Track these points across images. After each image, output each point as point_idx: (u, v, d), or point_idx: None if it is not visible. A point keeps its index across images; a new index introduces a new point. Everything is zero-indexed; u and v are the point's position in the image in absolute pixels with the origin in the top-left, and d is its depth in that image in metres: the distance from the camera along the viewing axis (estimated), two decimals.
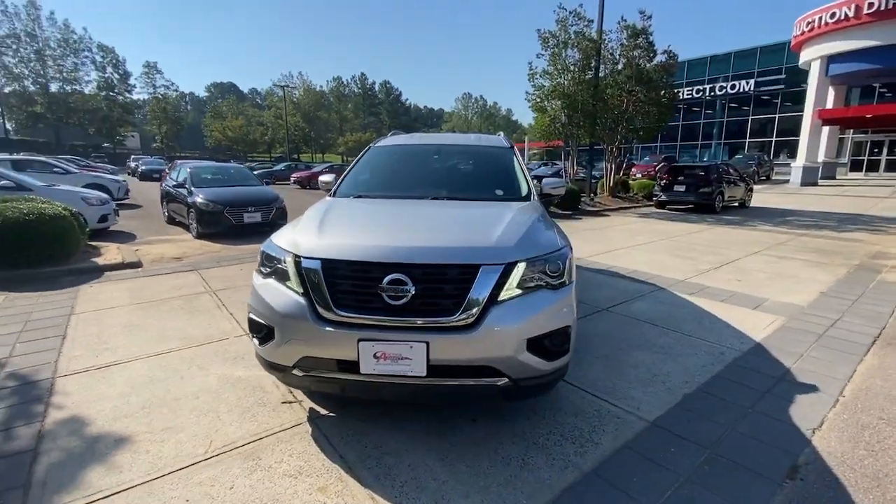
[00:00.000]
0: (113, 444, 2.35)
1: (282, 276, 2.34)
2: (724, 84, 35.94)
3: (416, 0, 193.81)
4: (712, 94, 36.78)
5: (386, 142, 4.20)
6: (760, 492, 2.04)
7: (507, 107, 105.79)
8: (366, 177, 3.68)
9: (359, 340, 2.09)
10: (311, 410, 2.69)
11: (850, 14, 20.60)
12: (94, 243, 7.37)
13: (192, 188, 8.92)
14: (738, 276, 6.00)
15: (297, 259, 2.29)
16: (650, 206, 15.48)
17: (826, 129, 25.43)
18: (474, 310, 2.11)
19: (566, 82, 14.15)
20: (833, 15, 21.41)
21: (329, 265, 2.22)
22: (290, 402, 2.77)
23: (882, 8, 19.48)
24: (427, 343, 2.07)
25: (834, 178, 27.06)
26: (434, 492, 2.03)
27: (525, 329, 2.15)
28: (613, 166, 16.49)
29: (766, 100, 34.69)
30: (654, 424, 2.56)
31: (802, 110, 25.20)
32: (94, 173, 15.46)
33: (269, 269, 2.44)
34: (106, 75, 51.50)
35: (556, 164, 23.70)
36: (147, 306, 4.55)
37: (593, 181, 18.30)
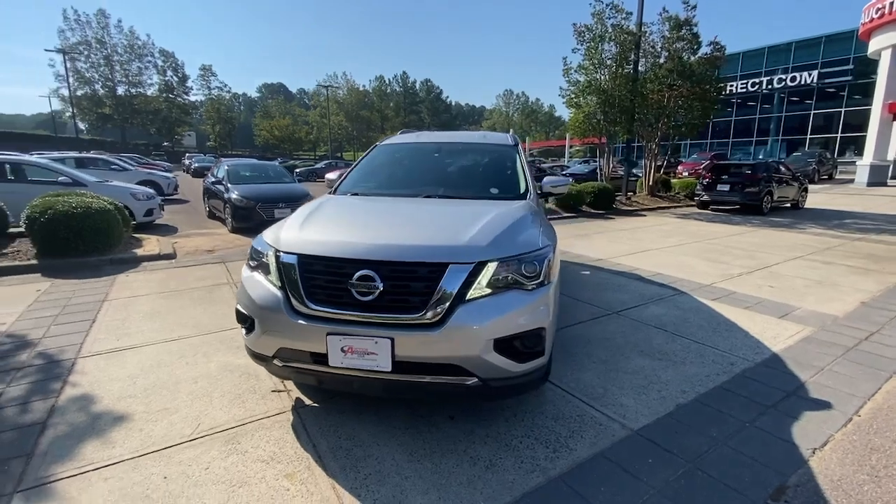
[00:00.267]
0: (112, 422, 2.54)
1: (265, 270, 2.44)
2: (784, 76, 33.53)
3: None
4: (769, 87, 34.43)
5: (392, 140, 4.26)
6: None
7: (550, 103, 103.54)
8: (366, 174, 3.74)
9: (327, 334, 2.15)
10: (297, 400, 2.78)
11: None
12: (138, 235, 7.94)
13: (229, 184, 9.40)
14: (771, 281, 5.61)
15: (277, 254, 2.38)
16: (692, 206, 14.74)
17: None
18: (440, 308, 2.11)
19: (602, 77, 13.68)
20: None
21: (304, 260, 2.29)
22: (280, 391, 2.88)
23: None
24: (392, 339, 2.10)
25: None
26: (394, 486, 2.05)
27: (491, 329, 2.12)
28: (653, 164, 15.81)
29: (831, 93, 32.07)
30: (638, 433, 2.46)
31: (871, 104, 23.06)
32: (146, 170, 16.61)
33: (255, 263, 2.54)
34: (166, 78, 55.09)
35: (595, 162, 23.04)
36: (171, 295, 4.86)
37: (633, 179, 17.68)
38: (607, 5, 13.29)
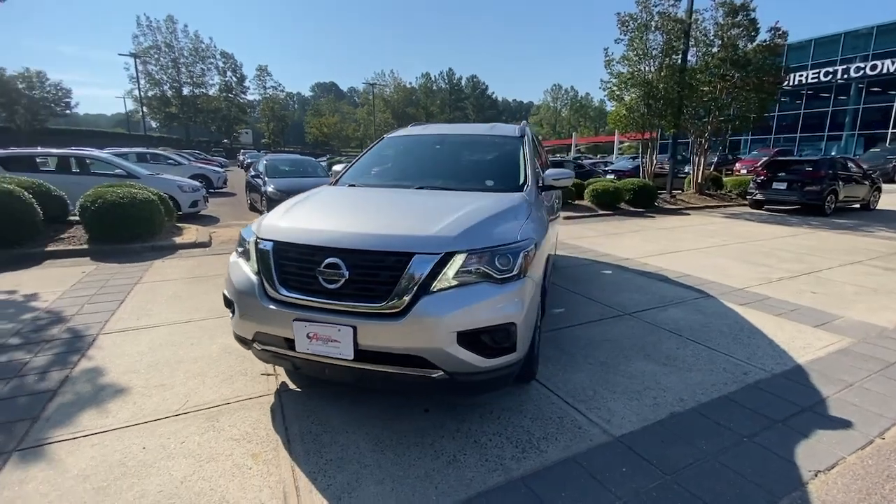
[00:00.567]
0: (112, 394, 2.73)
1: (246, 256, 2.52)
2: (863, 65, 30.45)
3: None
4: (845, 76, 31.38)
5: (399, 132, 4.27)
6: None
7: (601, 98, 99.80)
8: (366, 166, 3.77)
9: (293, 320, 2.18)
10: (283, 384, 2.86)
11: None
12: (181, 224, 8.48)
13: (266, 178, 9.82)
14: (816, 287, 5.12)
15: (257, 240, 2.44)
16: (744, 206, 13.75)
17: None
18: (404, 298, 2.08)
19: (646, 68, 13.00)
20: None
21: (278, 247, 2.34)
22: (269, 375, 2.97)
23: None
24: (354, 327, 2.09)
25: None
26: (352, 473, 2.06)
27: (455, 321, 2.06)
28: (703, 160, 14.87)
29: None
30: (619, 440, 2.32)
31: None
32: (198, 164, 17.70)
33: (241, 250, 2.62)
34: (226, 79, 58.39)
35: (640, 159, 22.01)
36: (195, 281, 5.15)
37: (681, 177, 16.73)
38: None
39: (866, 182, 12.72)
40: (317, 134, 66.27)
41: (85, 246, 6.41)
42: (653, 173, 14.38)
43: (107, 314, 4.04)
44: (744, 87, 12.66)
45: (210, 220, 9.88)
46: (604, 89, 13.75)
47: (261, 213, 10.19)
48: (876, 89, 31.01)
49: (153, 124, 60.19)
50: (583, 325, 3.92)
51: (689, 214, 12.03)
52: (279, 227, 2.44)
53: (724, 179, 16.26)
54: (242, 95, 61.97)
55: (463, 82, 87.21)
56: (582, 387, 2.86)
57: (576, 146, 54.21)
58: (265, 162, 10.62)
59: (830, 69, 31.90)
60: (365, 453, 2.20)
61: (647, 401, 2.70)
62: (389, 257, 2.14)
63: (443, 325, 2.05)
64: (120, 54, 58.75)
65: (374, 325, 2.10)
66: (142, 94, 48.46)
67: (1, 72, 40.27)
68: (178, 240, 7.19)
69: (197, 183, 10.65)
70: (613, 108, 14.50)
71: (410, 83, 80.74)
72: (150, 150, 17.70)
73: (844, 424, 2.48)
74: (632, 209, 12.17)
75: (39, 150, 10.60)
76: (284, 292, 2.25)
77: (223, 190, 16.41)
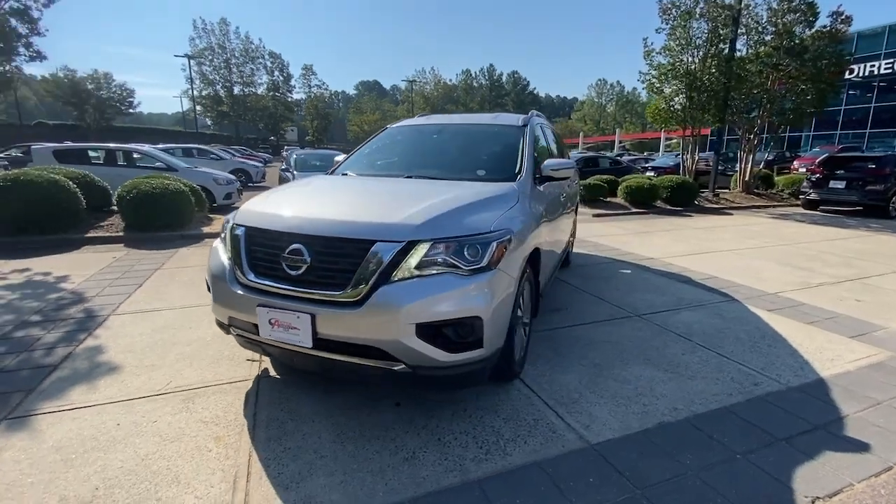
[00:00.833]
0: (105, 371, 2.84)
1: (225, 241, 2.54)
2: None
3: None
4: None
5: (402, 122, 4.21)
6: None
7: (648, 92, 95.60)
8: (364, 156, 3.74)
9: (257, 305, 2.18)
10: (265, 371, 2.88)
11: None
12: (212, 215, 8.86)
13: (294, 171, 10.08)
14: (861, 295, 4.62)
15: (232, 226, 2.46)
16: (796, 206, 12.74)
17: None
18: (362, 286, 2.02)
19: (689, 59, 12.26)
20: None
21: (249, 232, 2.34)
22: (253, 361, 3.00)
23: None
24: (313, 315, 2.06)
25: None
26: (306, 463, 2.02)
27: (413, 313, 1.98)
28: (751, 157, 13.89)
29: None
30: (593, 448, 2.16)
31: None
32: (239, 160, 18.48)
33: (223, 235, 2.66)
34: (273, 78, 60.61)
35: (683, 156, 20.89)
36: None
37: (728, 174, 15.76)
38: None
39: None
40: (357, 131, 67.57)
41: (120, 233, 6.82)
42: (694, 171, 13.58)
43: (123, 297, 4.25)
44: (799, 77, 11.68)
45: None
46: (642, 81, 13.11)
47: None
48: None
49: (208, 122, 63.54)
50: (586, 325, 3.72)
51: (731, 214, 11.28)
52: (252, 213, 2.45)
53: (776, 178, 15.12)
54: (288, 94, 64.13)
55: (504, 78, 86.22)
56: (568, 389, 2.69)
57: (620, 143, 52.33)
58: (295, 156, 10.93)
59: None
60: (325, 444, 2.16)
61: (636, 408, 2.51)
62: (350, 244, 2.09)
63: (400, 316, 1.98)
64: (175, 56, 62.28)
65: (333, 313, 2.05)
66: (196, 93, 51.29)
67: (72, 74, 43.72)
68: (206, 229, 7.50)
69: (231, 176, 11.09)
70: (652, 102, 13.80)
71: (451, 80, 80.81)
72: (196, 146, 18.68)
73: (860, 447, 2.19)
74: (668, 208, 11.55)
75: (90, 144, 11.41)
76: (252, 278, 2.25)
77: (262, 184, 17.05)
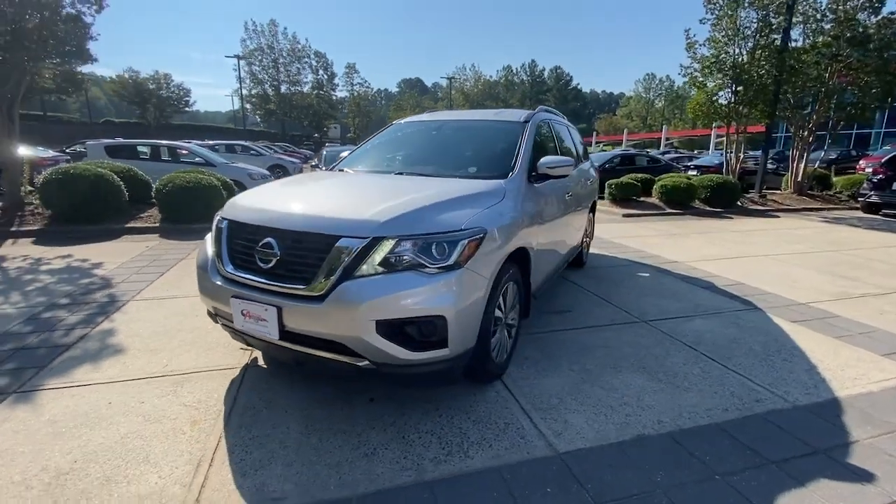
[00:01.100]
0: (112, 353, 3.04)
1: (213, 234, 2.64)
2: None
3: None
4: None
5: (407, 119, 4.21)
6: None
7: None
8: (365, 152, 3.77)
9: (231, 296, 2.25)
10: (254, 360, 2.97)
11: None
12: None
13: (322, 167, 10.33)
14: None
15: (219, 220, 2.55)
16: (855, 209, 11.70)
17: None
18: (326, 281, 2.04)
19: (736, 51, 11.51)
20: None
21: (231, 225, 2.42)
22: (245, 349, 3.11)
23: None
24: (279, 308, 2.10)
25: None
26: (268, 452, 2.07)
27: (373, 309, 1.98)
28: (806, 155, 12.88)
29: None
30: (560, 456, 2.08)
31: None
32: (278, 156, 19.20)
33: (213, 228, 2.76)
34: (318, 77, 62.46)
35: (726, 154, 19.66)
36: None
37: (780, 174, 14.72)
38: None
39: None
40: None
41: (157, 224, 7.26)
42: (739, 170, 12.77)
43: (145, 284, 4.52)
44: (862, 68, 10.69)
45: None
46: (684, 75, 12.44)
47: None
48: None
49: (257, 119, 66.45)
50: (584, 329, 3.59)
51: (777, 217, 10.52)
52: (237, 207, 2.54)
53: (834, 179, 13.96)
54: (332, 92, 65.89)
55: (545, 74, 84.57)
56: (548, 394, 2.61)
57: (667, 139, 50.07)
58: (324, 153, 11.22)
59: None
60: (291, 434, 2.20)
61: (617, 418, 2.39)
62: (316, 239, 2.11)
63: (360, 313, 1.98)
64: (226, 56, 65.36)
65: (297, 307, 2.08)
66: (245, 92, 53.72)
67: (136, 75, 46.93)
68: None
69: (266, 171, 11.55)
70: (694, 97, 13.08)
71: (491, 76, 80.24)
72: (239, 143, 19.57)
73: (863, 477, 1.98)
74: (707, 209, 10.93)
75: (138, 140, 12.23)
76: (230, 269, 2.32)
77: None
